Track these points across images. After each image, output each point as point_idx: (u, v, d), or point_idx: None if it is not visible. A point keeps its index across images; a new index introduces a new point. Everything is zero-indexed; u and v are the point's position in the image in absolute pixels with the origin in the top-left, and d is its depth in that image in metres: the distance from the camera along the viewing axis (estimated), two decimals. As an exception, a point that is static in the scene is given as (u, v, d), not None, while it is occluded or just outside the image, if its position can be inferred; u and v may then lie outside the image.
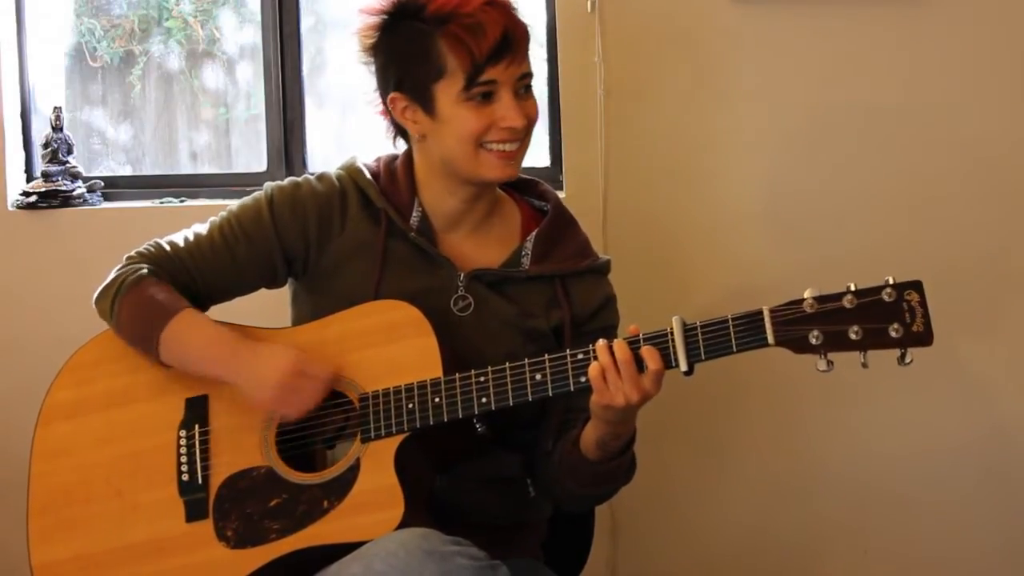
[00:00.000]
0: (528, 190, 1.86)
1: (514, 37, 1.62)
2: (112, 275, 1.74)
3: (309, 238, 1.74)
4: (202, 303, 1.77)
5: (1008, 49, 2.33)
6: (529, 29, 1.67)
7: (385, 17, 1.68)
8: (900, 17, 2.34)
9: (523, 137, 1.68)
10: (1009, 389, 2.41)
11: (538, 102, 1.71)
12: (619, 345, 1.53)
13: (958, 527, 2.45)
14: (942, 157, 2.37)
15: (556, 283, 1.76)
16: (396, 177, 1.76)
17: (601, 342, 1.54)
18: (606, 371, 1.52)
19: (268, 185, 1.78)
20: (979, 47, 2.34)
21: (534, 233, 1.77)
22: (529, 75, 1.67)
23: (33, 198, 2.63)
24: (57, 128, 2.67)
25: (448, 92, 1.63)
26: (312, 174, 1.80)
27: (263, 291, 1.81)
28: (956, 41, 2.34)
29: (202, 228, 1.77)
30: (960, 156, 2.36)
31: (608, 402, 1.53)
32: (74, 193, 2.66)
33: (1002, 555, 2.44)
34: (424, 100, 1.65)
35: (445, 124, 1.65)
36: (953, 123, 2.36)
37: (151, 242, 1.77)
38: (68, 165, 2.68)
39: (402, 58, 1.67)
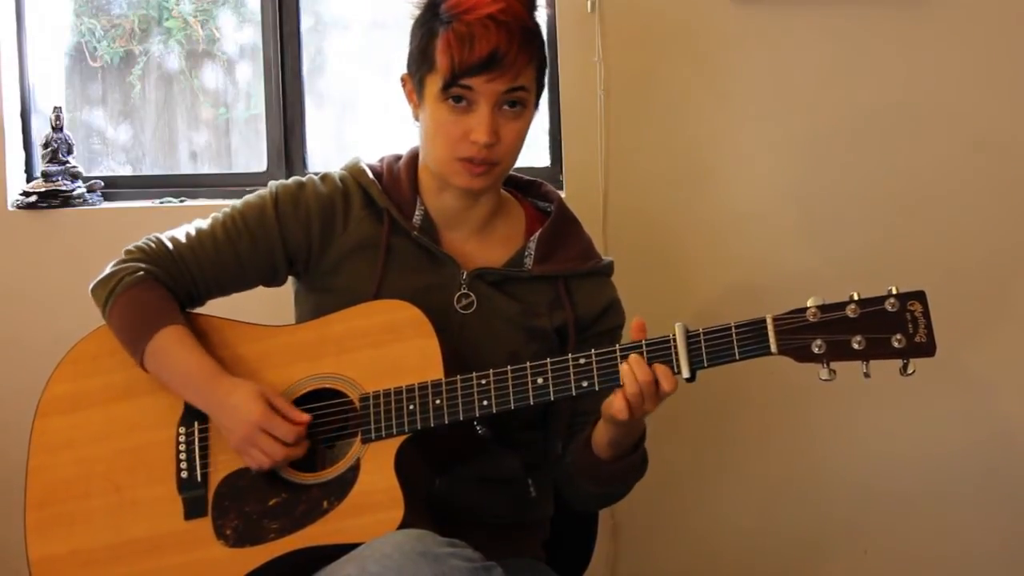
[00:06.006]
0: (532, 191, 1.87)
1: (504, 57, 1.61)
2: (110, 269, 1.74)
3: (312, 237, 1.75)
4: (200, 299, 1.77)
5: (1009, 49, 2.33)
6: (533, 48, 1.65)
7: (421, 5, 1.71)
8: (901, 17, 2.34)
9: (492, 156, 1.66)
10: (1009, 390, 2.40)
11: (524, 124, 1.68)
12: (639, 366, 1.52)
13: (958, 527, 2.44)
14: (943, 158, 2.36)
15: (559, 284, 1.76)
16: (398, 177, 1.78)
17: (625, 368, 1.53)
18: (632, 398, 1.53)
19: (272, 184, 1.80)
20: (980, 47, 2.33)
21: (537, 234, 1.77)
22: (520, 89, 1.65)
23: (33, 198, 2.63)
24: (57, 128, 2.67)
25: (432, 86, 1.67)
26: (316, 174, 1.81)
27: (264, 290, 1.81)
28: (957, 41, 2.34)
29: (204, 224, 1.78)
30: (961, 157, 2.36)
31: (631, 418, 1.54)
32: (74, 193, 2.66)
33: (1002, 555, 2.44)
34: (419, 87, 1.70)
35: (426, 113, 1.69)
36: (954, 124, 2.35)
37: (152, 237, 1.77)
38: (68, 165, 2.68)
39: (415, 44, 1.70)
